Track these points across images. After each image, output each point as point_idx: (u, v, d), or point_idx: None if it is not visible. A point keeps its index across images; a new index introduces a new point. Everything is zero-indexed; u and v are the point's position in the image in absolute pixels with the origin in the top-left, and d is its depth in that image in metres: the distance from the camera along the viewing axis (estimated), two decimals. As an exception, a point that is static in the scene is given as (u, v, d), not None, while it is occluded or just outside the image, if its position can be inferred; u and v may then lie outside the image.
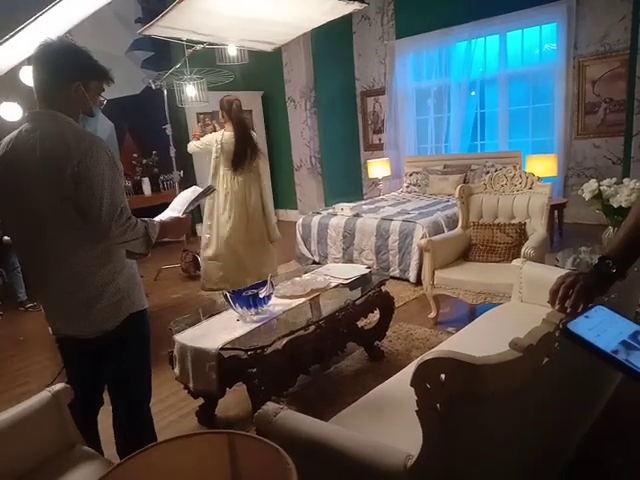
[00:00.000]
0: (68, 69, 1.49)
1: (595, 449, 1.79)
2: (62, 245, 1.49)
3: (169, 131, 4.78)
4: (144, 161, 6.32)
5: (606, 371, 1.69)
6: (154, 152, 6.25)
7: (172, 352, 2.19)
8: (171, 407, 2.49)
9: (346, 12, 3.39)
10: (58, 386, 1.47)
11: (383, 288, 2.81)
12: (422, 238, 3.74)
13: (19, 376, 3.01)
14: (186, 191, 1.92)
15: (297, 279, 2.76)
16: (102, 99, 1.62)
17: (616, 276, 1.06)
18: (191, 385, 2.12)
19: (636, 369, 0.72)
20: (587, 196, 2.77)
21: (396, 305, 2.99)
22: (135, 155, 6.31)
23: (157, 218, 1.69)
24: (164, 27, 3.33)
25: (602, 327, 0.82)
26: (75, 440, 1.49)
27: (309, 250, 4.95)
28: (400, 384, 1.63)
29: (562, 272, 1.13)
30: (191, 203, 1.81)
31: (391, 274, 4.05)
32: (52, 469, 1.36)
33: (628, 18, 4.76)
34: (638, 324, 0.83)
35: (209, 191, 1.95)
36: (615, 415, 1.92)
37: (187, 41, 3.86)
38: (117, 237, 1.44)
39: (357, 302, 2.56)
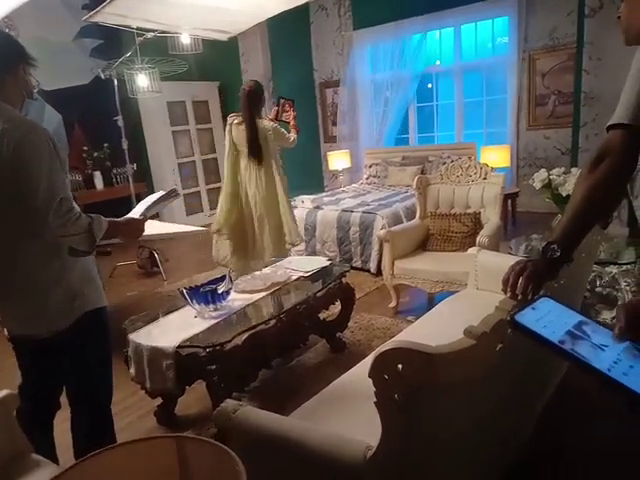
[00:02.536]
0: (8, 54, 1.43)
1: (547, 434, 1.85)
2: (6, 239, 1.42)
3: (121, 122, 4.61)
4: (95, 154, 6.06)
5: (554, 358, 1.75)
6: (105, 145, 6.01)
7: (127, 352, 2.12)
8: (129, 408, 2.42)
9: (302, 2, 3.35)
10: (2, 393, 1.39)
11: (344, 280, 2.82)
12: (382, 229, 3.77)
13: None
14: (153, 195, 1.84)
15: (257, 273, 2.73)
16: (35, 81, 1.54)
17: (562, 260, 1.09)
18: (148, 385, 2.06)
19: (581, 358, 0.75)
20: (537, 185, 2.86)
21: (357, 296, 3.01)
22: (85, 148, 6.04)
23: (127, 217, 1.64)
24: (112, 14, 3.19)
25: (548, 318, 0.84)
26: (23, 448, 1.41)
27: (270, 243, 4.90)
28: (360, 375, 1.63)
29: (515, 259, 1.15)
30: (150, 206, 1.74)
31: (353, 265, 4.08)
32: (-4, 482, 1.28)
33: (575, 13, 4.94)
34: (582, 314, 0.86)
35: (172, 195, 1.85)
36: (563, 400, 1.99)
37: (137, 29, 3.71)
38: (55, 229, 1.37)
39: (318, 294, 2.55)
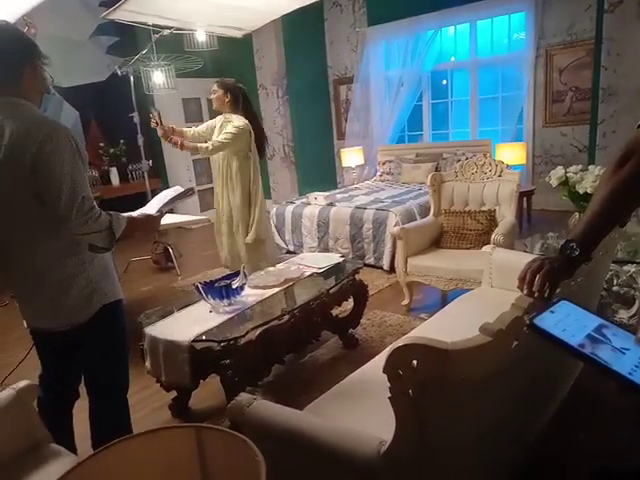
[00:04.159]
0: (25, 50, 1.45)
1: (558, 437, 1.82)
2: (28, 237, 1.45)
3: (136, 119, 4.65)
4: (111, 150, 6.14)
5: (569, 359, 1.73)
6: (121, 141, 6.08)
7: (143, 345, 2.15)
8: (143, 401, 2.45)
9: (316, -1, 3.35)
10: (22, 383, 1.42)
11: (357, 276, 2.82)
12: (395, 226, 3.76)
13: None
14: (168, 190, 1.88)
15: (271, 269, 2.75)
16: (50, 77, 1.57)
17: (581, 259, 1.08)
18: (163, 378, 2.09)
19: (601, 362, 0.74)
20: (554, 183, 2.83)
21: (370, 293, 3.01)
22: (101, 144, 6.12)
23: (135, 213, 1.67)
24: (129, 11, 3.22)
25: (567, 321, 0.83)
26: (42, 438, 1.44)
27: (283, 240, 4.93)
28: (374, 371, 1.64)
29: (531, 257, 1.14)
30: (167, 203, 1.77)
31: (366, 262, 4.08)
32: (15, 471, 1.31)
33: (593, 8, 4.84)
34: (602, 317, 0.85)
35: (188, 193, 1.88)
36: (576, 403, 1.95)
37: (153, 26, 3.74)
38: (77, 227, 1.39)
39: (331, 291, 2.56)
